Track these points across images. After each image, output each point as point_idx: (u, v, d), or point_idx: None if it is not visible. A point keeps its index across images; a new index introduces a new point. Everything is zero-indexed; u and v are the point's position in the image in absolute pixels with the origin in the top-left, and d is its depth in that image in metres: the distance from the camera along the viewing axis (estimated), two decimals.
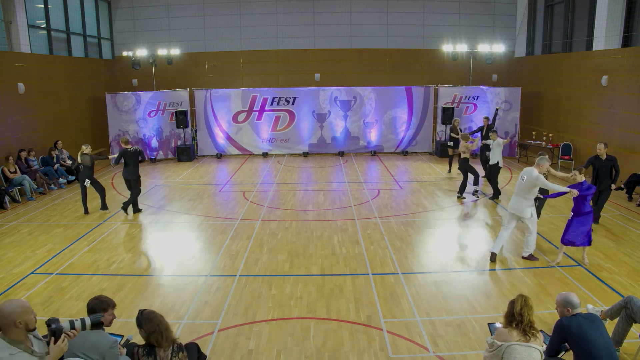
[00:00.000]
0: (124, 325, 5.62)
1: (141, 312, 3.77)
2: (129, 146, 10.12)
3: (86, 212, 10.28)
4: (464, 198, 11.08)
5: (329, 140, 17.20)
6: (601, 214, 9.35)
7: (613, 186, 8.91)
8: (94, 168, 10.29)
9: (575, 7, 14.87)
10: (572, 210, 7.13)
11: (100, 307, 3.87)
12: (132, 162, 10.06)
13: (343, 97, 16.91)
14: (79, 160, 10.23)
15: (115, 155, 10.38)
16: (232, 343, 5.29)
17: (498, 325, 4.27)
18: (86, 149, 10.15)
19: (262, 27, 18.63)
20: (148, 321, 3.66)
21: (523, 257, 7.48)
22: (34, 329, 3.20)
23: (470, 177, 11.26)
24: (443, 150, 16.48)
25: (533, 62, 17.33)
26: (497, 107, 14.71)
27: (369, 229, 9.09)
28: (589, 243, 7.17)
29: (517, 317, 3.83)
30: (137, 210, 10.35)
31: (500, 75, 18.81)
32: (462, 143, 11.06)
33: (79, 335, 3.48)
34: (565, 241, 7.19)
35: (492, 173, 11.04)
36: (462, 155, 10.98)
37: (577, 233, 7.08)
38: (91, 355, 3.57)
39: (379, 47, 18.83)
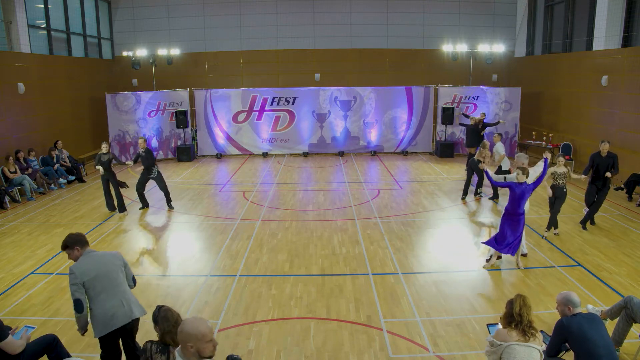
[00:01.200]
0: None
1: (159, 308, 3.72)
2: None
3: (123, 210, 10.30)
4: (465, 197, 11.09)
5: (329, 140, 17.20)
6: (601, 213, 9.35)
7: (608, 174, 8.61)
8: (110, 167, 10.15)
9: (575, 7, 14.87)
10: (506, 208, 7.01)
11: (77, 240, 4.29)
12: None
13: (343, 97, 16.91)
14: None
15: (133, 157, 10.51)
16: (232, 343, 5.29)
17: (497, 326, 4.27)
18: (104, 148, 10.12)
19: (262, 27, 18.63)
20: (164, 320, 3.62)
21: (523, 255, 7.50)
22: (210, 357, 3.00)
23: (474, 178, 11.24)
24: (443, 151, 16.50)
25: (533, 62, 17.33)
26: (501, 121, 14.74)
27: (369, 229, 9.09)
28: (514, 253, 7.03)
29: (517, 318, 3.82)
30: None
31: (500, 75, 18.81)
32: (482, 151, 10.74)
33: (97, 258, 4.26)
34: (491, 242, 7.11)
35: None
36: (477, 157, 10.89)
37: (506, 240, 6.94)
38: (117, 262, 4.34)
39: (379, 47, 18.83)
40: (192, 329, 2.90)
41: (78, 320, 4.23)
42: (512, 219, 6.91)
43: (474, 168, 10.95)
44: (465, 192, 11.11)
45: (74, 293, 4.13)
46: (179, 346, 3.00)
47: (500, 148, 10.78)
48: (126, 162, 10.54)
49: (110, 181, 10.13)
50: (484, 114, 13.90)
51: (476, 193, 11.30)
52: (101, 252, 4.41)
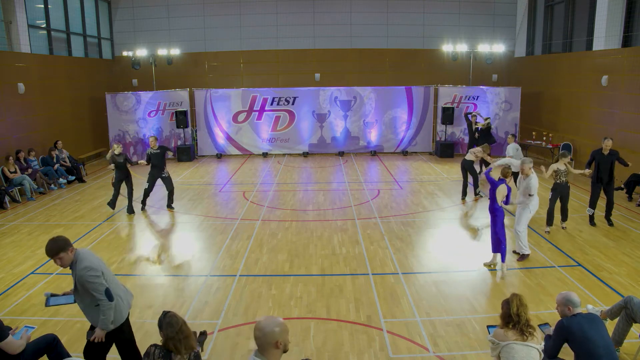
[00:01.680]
0: None
1: (164, 314, 3.68)
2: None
3: (131, 211, 10.29)
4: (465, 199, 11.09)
5: (329, 140, 17.20)
6: (601, 213, 9.32)
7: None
8: (127, 167, 10.16)
9: (575, 7, 14.87)
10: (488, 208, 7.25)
11: (67, 241, 4.04)
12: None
13: (343, 97, 16.91)
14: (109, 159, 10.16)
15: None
16: (232, 343, 5.29)
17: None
18: (118, 148, 10.10)
19: (262, 27, 18.63)
20: (168, 326, 3.58)
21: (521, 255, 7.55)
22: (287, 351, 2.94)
23: (470, 178, 11.23)
24: (443, 151, 16.50)
25: (533, 62, 17.33)
26: (473, 117, 14.57)
27: (369, 229, 9.09)
28: (503, 257, 7.01)
29: (514, 318, 3.82)
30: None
31: (500, 75, 18.81)
32: (477, 150, 10.71)
33: (90, 252, 4.19)
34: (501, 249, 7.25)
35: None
36: (468, 158, 10.84)
37: (493, 240, 7.13)
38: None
39: (379, 47, 18.83)
40: (275, 325, 2.81)
41: (108, 313, 4.09)
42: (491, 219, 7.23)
43: (467, 169, 10.93)
44: (464, 193, 11.11)
45: (102, 284, 4.04)
46: (256, 351, 2.85)
47: (510, 150, 10.75)
48: (139, 162, 10.49)
49: (126, 182, 10.14)
50: (475, 116, 14.10)
51: (475, 193, 11.29)
52: (83, 249, 4.29)
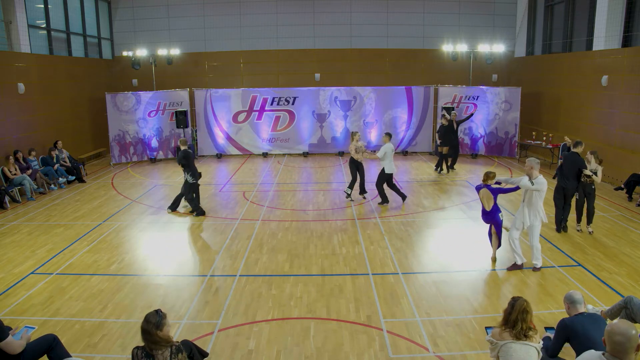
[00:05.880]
0: (125, 325, 5.63)
1: (158, 312, 3.77)
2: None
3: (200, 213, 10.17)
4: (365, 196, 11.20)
5: (329, 140, 17.20)
6: (601, 213, 9.32)
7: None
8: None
9: (575, 7, 14.87)
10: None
11: None
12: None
13: (343, 97, 16.90)
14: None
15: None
16: (232, 343, 5.29)
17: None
18: (183, 143, 10.03)
19: (262, 27, 18.63)
20: (144, 321, 3.67)
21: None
22: None
23: (351, 178, 11.07)
24: None
25: (533, 62, 17.33)
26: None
27: (369, 229, 9.09)
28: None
29: (511, 323, 3.80)
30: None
31: (500, 75, 18.81)
32: (353, 143, 10.72)
33: None
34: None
35: (381, 179, 10.59)
36: (355, 157, 10.74)
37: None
38: None
39: (379, 47, 18.83)
40: (632, 328, 2.75)
41: None
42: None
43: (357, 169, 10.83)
44: (362, 191, 11.15)
45: None
46: (610, 355, 2.75)
47: (388, 150, 10.36)
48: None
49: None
50: (455, 114, 14.17)
51: (346, 191, 11.18)
52: None
